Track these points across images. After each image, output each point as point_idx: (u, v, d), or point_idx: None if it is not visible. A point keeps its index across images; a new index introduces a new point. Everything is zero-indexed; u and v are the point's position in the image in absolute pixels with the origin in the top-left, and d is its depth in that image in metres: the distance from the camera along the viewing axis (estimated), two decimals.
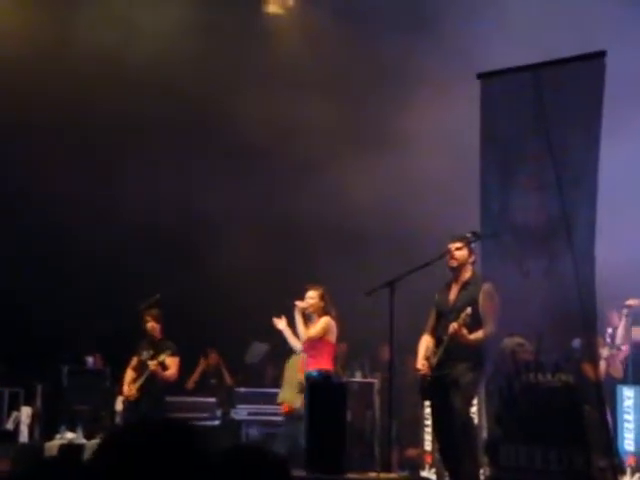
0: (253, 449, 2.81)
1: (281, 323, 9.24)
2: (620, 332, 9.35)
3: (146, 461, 2.25)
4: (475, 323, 7.48)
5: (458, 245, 7.72)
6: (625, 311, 9.32)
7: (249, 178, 12.50)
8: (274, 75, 12.23)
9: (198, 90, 12.06)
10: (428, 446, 10.84)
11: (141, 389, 10.10)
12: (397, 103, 11.40)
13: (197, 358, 12.36)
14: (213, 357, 12.43)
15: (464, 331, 7.44)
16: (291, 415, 9.92)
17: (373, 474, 8.13)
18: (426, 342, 7.88)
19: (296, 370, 9.87)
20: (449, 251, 7.75)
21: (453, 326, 7.45)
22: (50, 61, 11.69)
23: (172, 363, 10.20)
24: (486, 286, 7.44)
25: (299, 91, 11.75)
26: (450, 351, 7.57)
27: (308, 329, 9.05)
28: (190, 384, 12.19)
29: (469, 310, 7.40)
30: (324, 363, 8.96)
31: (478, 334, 7.48)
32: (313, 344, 9.02)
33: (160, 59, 11.75)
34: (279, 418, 10.73)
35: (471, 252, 7.76)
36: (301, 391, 9.98)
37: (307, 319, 9.17)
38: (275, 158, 12.40)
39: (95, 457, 2.38)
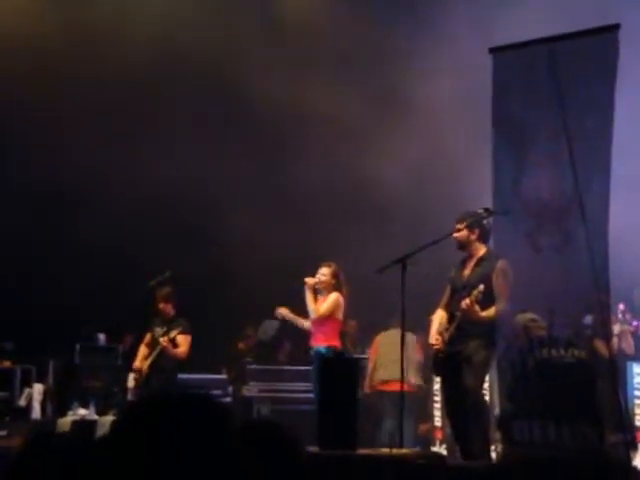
0: (267, 424, 2.81)
1: (283, 312, 9.27)
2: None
3: (167, 434, 2.25)
4: (488, 300, 7.47)
5: (458, 226, 7.73)
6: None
7: (262, 155, 12.49)
8: (286, 51, 12.19)
9: (205, 60, 12.05)
10: (438, 422, 10.89)
11: (152, 366, 10.15)
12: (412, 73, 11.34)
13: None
14: (250, 338, 12.48)
15: (476, 308, 7.44)
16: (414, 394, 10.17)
17: (385, 449, 8.14)
18: (439, 317, 7.89)
19: (410, 349, 9.89)
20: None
21: (465, 302, 7.45)
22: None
23: (183, 341, 10.23)
24: (500, 263, 7.43)
25: (311, 63, 11.72)
26: (462, 328, 7.58)
27: (317, 305, 9.07)
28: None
29: (481, 287, 7.40)
30: (332, 339, 9.01)
31: (490, 311, 7.47)
32: (322, 320, 9.05)
33: (169, 31, 11.73)
34: (291, 395, 10.78)
35: (472, 230, 7.75)
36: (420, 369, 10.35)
37: (317, 294, 9.20)
38: (288, 133, 12.37)
39: (114, 430, 2.38)
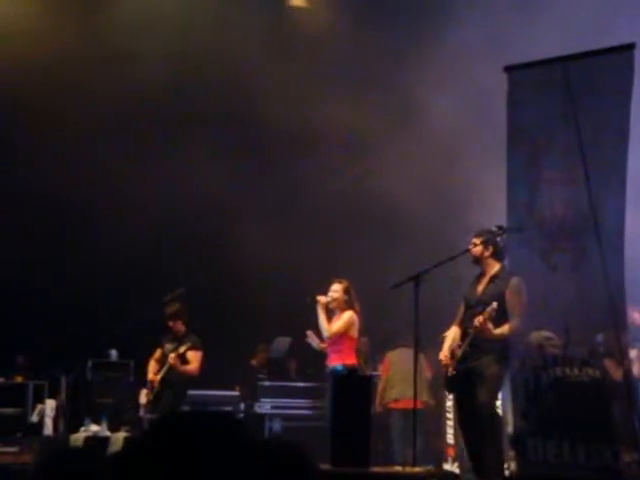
0: (280, 443, 2.80)
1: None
2: None
3: (188, 453, 2.25)
4: (501, 317, 7.46)
5: (475, 241, 7.75)
6: None
7: (276, 172, 12.53)
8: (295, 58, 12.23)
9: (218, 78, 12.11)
10: (450, 439, 10.85)
11: (162, 382, 10.13)
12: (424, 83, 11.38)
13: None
14: (262, 356, 12.49)
15: (489, 325, 7.43)
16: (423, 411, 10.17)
17: (398, 467, 8.13)
18: (453, 334, 7.88)
19: (420, 369, 9.87)
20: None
21: (478, 319, 7.44)
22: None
23: (194, 357, 10.18)
24: (514, 280, 7.42)
25: (324, 80, 11.77)
26: (476, 345, 7.56)
27: (331, 324, 9.04)
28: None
29: (495, 305, 7.38)
30: (347, 358, 8.96)
31: (503, 329, 7.46)
32: (336, 339, 9.02)
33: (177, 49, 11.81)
34: (302, 412, 10.77)
35: (486, 247, 7.76)
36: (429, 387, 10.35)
37: (330, 312, 9.17)
38: (302, 150, 12.41)
39: (136, 448, 2.38)
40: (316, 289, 9.29)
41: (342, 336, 8.99)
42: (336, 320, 9.08)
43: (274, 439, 4.58)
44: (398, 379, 10.82)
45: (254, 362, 12.46)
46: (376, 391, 11.24)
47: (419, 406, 9.80)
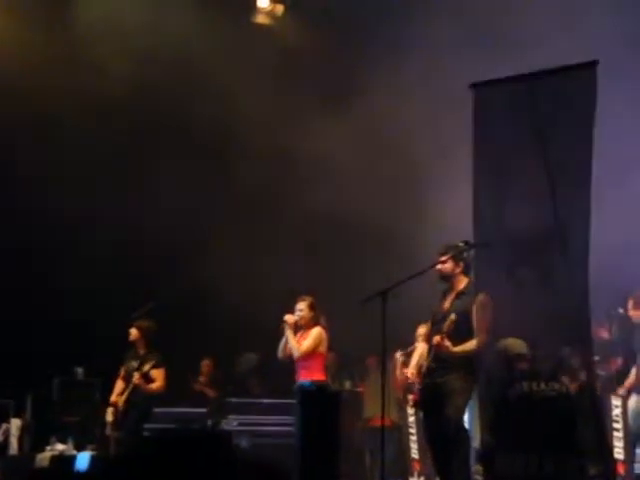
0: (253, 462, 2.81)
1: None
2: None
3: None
4: (467, 333, 7.49)
5: (443, 258, 7.77)
6: None
7: (244, 187, 12.54)
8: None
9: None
10: (415, 454, 10.89)
11: (127, 400, 10.07)
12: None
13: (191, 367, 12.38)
14: (206, 365, 12.47)
15: (447, 343, 7.46)
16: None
17: None
18: (421, 349, 7.91)
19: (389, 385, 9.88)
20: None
21: (436, 339, 7.49)
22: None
23: (158, 375, 10.10)
24: (480, 296, 7.45)
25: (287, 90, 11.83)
26: (442, 359, 7.59)
27: (300, 343, 9.02)
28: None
29: (453, 316, 7.43)
30: (317, 374, 8.95)
31: (465, 345, 7.49)
32: (306, 357, 9.01)
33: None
34: (270, 429, 10.75)
35: (457, 263, 7.79)
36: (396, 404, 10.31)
37: (297, 329, 9.16)
38: (272, 169, 12.42)
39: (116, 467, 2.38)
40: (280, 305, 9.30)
41: (312, 353, 8.98)
42: (303, 338, 9.05)
43: (245, 457, 4.57)
44: (369, 396, 10.88)
45: (201, 379, 12.45)
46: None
47: (388, 424, 9.84)
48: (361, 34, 12.37)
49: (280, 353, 9.12)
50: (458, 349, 7.48)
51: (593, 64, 6.92)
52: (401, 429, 11.26)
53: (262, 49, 12.62)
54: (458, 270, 7.80)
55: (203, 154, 12.73)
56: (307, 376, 8.88)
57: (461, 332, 7.50)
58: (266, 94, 12.13)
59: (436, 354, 7.57)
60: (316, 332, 9.01)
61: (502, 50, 9.71)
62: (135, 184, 12.28)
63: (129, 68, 11.65)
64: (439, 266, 7.79)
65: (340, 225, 12.06)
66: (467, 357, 7.46)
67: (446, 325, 7.41)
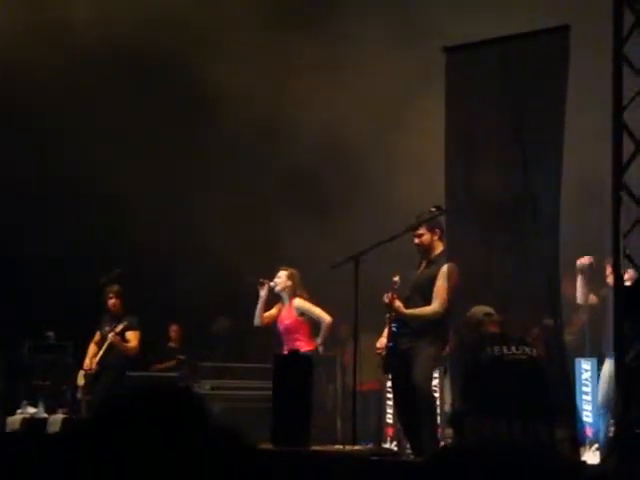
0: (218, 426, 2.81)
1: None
2: (579, 291, 9.10)
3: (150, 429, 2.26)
4: (430, 300, 7.59)
5: (420, 232, 7.77)
6: (579, 265, 9.08)
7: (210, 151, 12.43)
8: None
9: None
10: (389, 419, 10.96)
11: (101, 362, 10.10)
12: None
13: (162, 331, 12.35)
14: (174, 331, 12.48)
15: (397, 303, 7.54)
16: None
17: (338, 446, 8.19)
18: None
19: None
20: (414, 234, 7.80)
21: (387, 296, 7.55)
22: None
23: (133, 337, 10.22)
24: (445, 267, 7.51)
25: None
26: (409, 325, 7.64)
27: (264, 314, 9.09)
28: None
29: (397, 278, 7.55)
30: (306, 344, 9.00)
31: (417, 310, 7.60)
32: (295, 326, 9.05)
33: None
34: (244, 393, 10.79)
35: (433, 231, 7.80)
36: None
37: (278, 299, 9.20)
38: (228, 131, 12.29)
39: (93, 427, 2.38)
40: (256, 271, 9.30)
41: (299, 323, 9.05)
42: (289, 309, 9.09)
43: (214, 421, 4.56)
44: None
45: (171, 344, 12.48)
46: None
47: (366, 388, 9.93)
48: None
49: (257, 320, 9.16)
50: (409, 312, 7.56)
51: (565, 28, 6.89)
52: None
53: None
54: (435, 237, 7.81)
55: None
56: (299, 347, 8.86)
57: (426, 297, 7.58)
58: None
59: (398, 318, 7.62)
60: (305, 302, 9.06)
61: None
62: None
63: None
64: (416, 240, 7.81)
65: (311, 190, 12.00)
66: (434, 323, 7.51)
67: (394, 288, 7.52)
